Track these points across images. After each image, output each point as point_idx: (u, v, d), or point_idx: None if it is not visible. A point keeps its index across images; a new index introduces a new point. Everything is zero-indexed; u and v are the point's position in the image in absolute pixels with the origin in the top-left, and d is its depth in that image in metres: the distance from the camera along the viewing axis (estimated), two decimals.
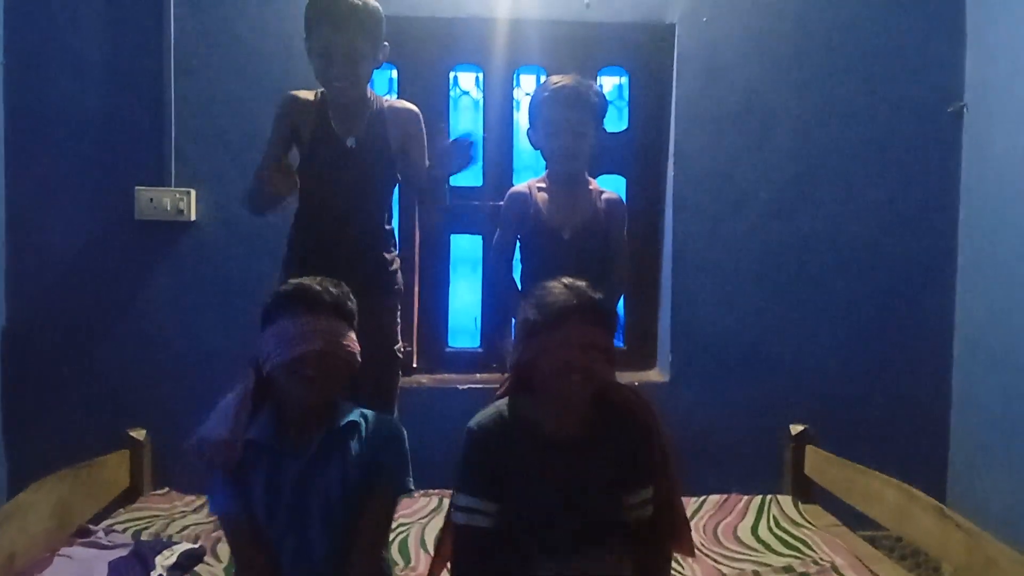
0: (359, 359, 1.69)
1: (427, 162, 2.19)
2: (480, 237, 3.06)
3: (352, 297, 1.70)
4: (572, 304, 1.58)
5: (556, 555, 1.63)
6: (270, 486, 1.65)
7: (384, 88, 3.03)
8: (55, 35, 2.76)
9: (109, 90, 2.79)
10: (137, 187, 2.77)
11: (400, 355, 2.25)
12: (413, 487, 1.73)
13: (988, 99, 2.85)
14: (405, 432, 1.75)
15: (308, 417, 1.67)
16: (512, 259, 2.33)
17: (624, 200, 2.41)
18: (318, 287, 1.65)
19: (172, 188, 2.78)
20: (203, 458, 1.66)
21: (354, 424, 1.69)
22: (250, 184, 2.18)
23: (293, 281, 1.70)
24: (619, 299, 2.42)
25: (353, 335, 1.68)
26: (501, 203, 2.40)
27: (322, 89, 2.18)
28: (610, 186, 2.47)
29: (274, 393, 1.68)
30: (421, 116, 2.25)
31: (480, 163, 3.03)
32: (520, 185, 2.37)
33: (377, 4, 2.12)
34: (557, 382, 1.60)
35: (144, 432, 2.55)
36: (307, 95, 2.19)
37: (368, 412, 1.75)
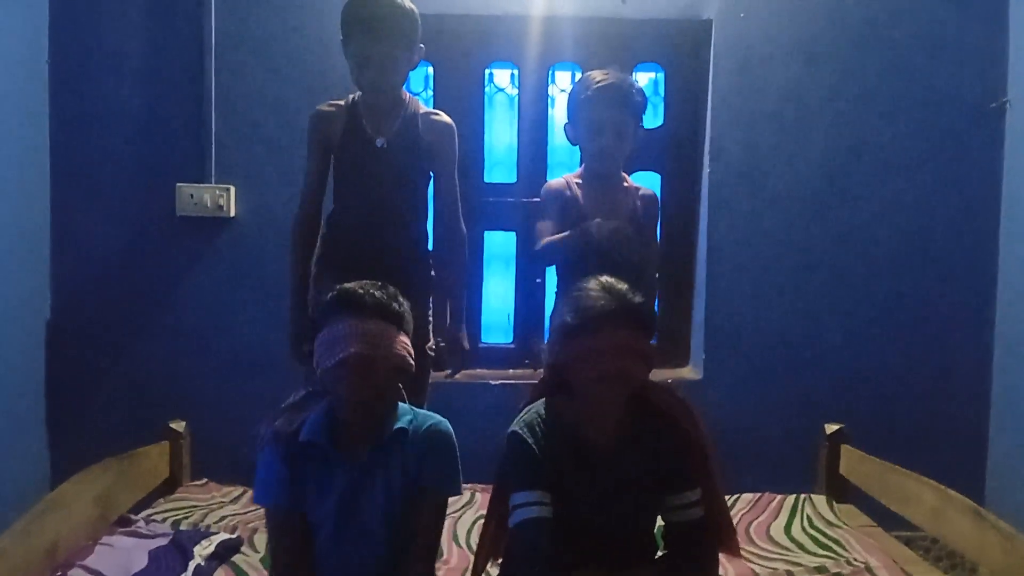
0: (411, 360, 1.67)
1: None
2: (514, 234, 3.07)
3: (400, 299, 1.68)
4: (611, 309, 1.56)
5: (596, 557, 1.63)
6: (321, 489, 1.65)
7: (420, 85, 3.06)
8: (99, 36, 2.82)
9: (151, 89, 2.84)
10: (178, 184, 2.82)
11: (431, 353, 2.26)
12: (462, 489, 1.74)
13: None
14: (453, 432, 1.73)
15: (359, 421, 1.67)
16: None
17: (659, 196, 2.39)
18: (360, 291, 1.64)
19: (212, 185, 2.83)
20: (261, 445, 1.67)
21: (403, 431, 1.68)
22: (298, 210, 2.24)
23: (340, 287, 1.68)
24: (654, 297, 2.40)
25: (404, 337, 1.66)
26: (536, 199, 2.39)
27: (352, 95, 2.21)
28: (645, 183, 2.46)
29: (328, 399, 1.69)
30: (455, 129, 2.25)
31: (515, 160, 3.06)
32: (556, 180, 2.33)
33: (413, 7, 2.12)
34: (593, 387, 1.59)
35: (184, 424, 2.59)
36: (334, 105, 2.21)
37: (419, 413, 1.74)
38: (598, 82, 2.19)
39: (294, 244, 2.24)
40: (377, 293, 1.64)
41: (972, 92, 2.92)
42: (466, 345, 2.29)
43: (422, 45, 2.18)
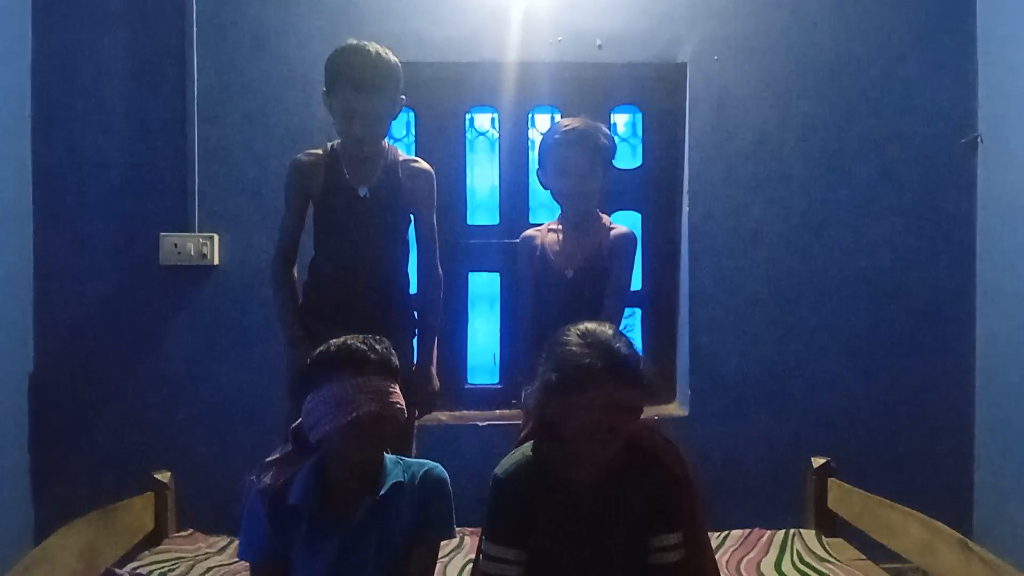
0: (405, 413, 1.66)
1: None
2: (498, 275, 3.09)
3: (392, 349, 1.66)
4: (596, 367, 1.52)
5: None
6: (311, 549, 1.62)
7: (402, 130, 3.09)
8: (81, 86, 2.84)
9: (134, 139, 2.86)
10: (162, 233, 2.83)
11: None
12: (456, 533, 1.73)
13: (1002, 130, 2.86)
14: (448, 477, 1.72)
15: (354, 480, 1.64)
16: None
17: (636, 233, 2.42)
18: (363, 346, 1.61)
19: (196, 233, 2.84)
20: (247, 499, 1.65)
21: (399, 484, 1.65)
22: (275, 254, 2.27)
23: (335, 342, 1.64)
24: None
25: (398, 389, 1.64)
26: (517, 241, 2.45)
27: (331, 143, 2.24)
28: (626, 222, 2.49)
29: (316, 457, 1.65)
30: (434, 176, 2.29)
31: (497, 202, 3.09)
32: (532, 229, 2.43)
33: (395, 60, 2.16)
34: (582, 442, 1.57)
35: (168, 474, 2.57)
36: (313, 154, 2.24)
37: (410, 463, 1.72)
38: (565, 127, 2.28)
39: (279, 285, 2.25)
40: (378, 347, 1.62)
41: (944, 128, 2.99)
42: (436, 386, 2.29)
43: (404, 95, 2.22)
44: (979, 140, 2.96)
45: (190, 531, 2.62)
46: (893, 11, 2.97)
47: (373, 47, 2.13)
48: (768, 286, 2.97)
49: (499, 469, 1.67)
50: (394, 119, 2.25)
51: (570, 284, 2.26)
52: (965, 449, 2.99)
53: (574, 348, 1.56)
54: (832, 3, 2.96)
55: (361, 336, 1.64)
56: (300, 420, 1.64)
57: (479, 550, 1.70)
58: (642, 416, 1.64)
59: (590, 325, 1.61)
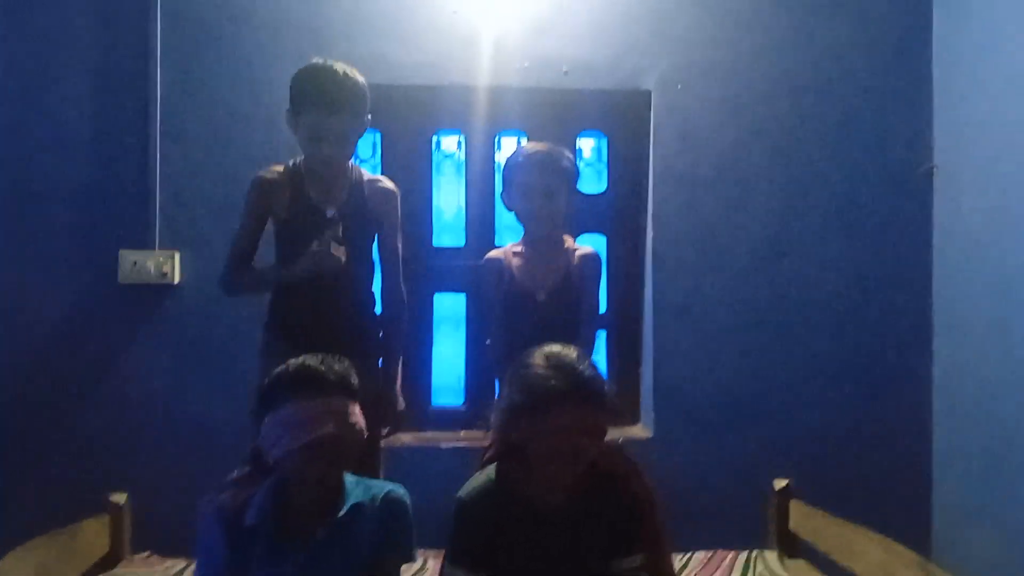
0: (365, 434, 1.64)
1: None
2: (463, 296, 3.09)
3: (353, 371, 1.65)
4: (559, 390, 1.53)
5: None
6: (270, 574, 1.59)
7: (368, 151, 3.09)
8: (42, 103, 2.80)
9: (94, 155, 2.82)
10: (121, 250, 2.79)
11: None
12: (417, 556, 1.71)
13: (957, 159, 2.94)
14: (409, 499, 1.71)
15: (313, 501, 1.62)
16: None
17: (601, 255, 2.44)
18: (322, 366, 1.60)
19: (156, 251, 2.79)
20: (204, 522, 1.62)
21: (359, 506, 1.64)
22: (226, 268, 2.22)
23: (294, 362, 1.63)
24: (589, 354, 2.44)
25: (358, 409, 1.63)
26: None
27: (293, 160, 2.22)
28: (591, 245, 2.51)
29: (274, 478, 1.63)
30: (399, 195, 2.30)
31: (463, 224, 3.09)
32: (496, 251, 2.43)
33: (363, 80, 2.15)
34: (545, 464, 1.58)
35: (125, 496, 2.51)
36: (276, 171, 2.21)
37: (370, 484, 1.70)
38: (529, 150, 2.32)
39: (241, 278, 2.22)
40: (337, 367, 1.61)
41: (901, 158, 3.06)
42: (401, 405, 2.28)
43: (370, 115, 2.21)
44: (934, 169, 3.04)
45: (148, 553, 2.56)
46: (851, 44, 3.04)
47: (340, 66, 2.11)
48: (731, 310, 3.01)
49: (463, 491, 1.67)
50: (360, 138, 2.24)
51: (541, 307, 2.26)
52: (923, 471, 3.04)
53: (539, 370, 1.57)
54: (792, 35, 3.03)
55: (320, 356, 1.63)
56: (258, 440, 1.62)
57: (442, 573, 1.69)
58: (605, 438, 1.65)
59: (555, 348, 1.62)
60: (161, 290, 2.82)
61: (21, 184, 2.79)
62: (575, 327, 2.24)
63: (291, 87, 2.14)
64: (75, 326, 2.81)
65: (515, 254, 2.35)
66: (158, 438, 2.80)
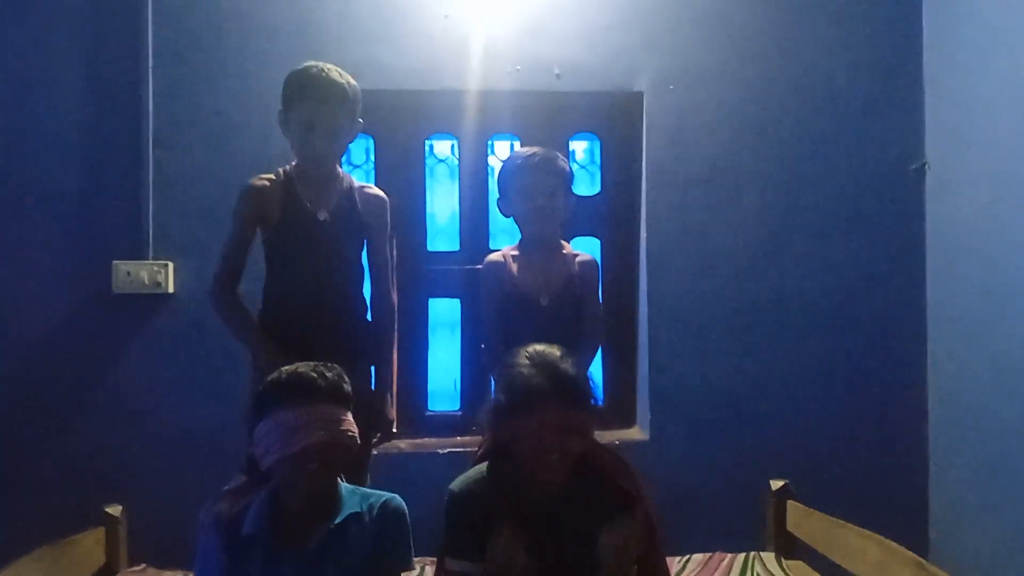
0: (358, 440, 1.65)
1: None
2: (458, 300, 3.09)
3: (346, 377, 1.66)
4: (543, 388, 1.57)
5: None
6: None
7: (361, 157, 3.09)
8: (34, 111, 2.79)
9: (87, 165, 2.81)
10: (115, 260, 2.78)
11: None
12: (415, 565, 1.72)
13: (948, 157, 2.94)
14: (406, 508, 1.71)
15: (308, 509, 1.62)
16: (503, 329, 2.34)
17: (598, 261, 2.45)
18: (313, 373, 1.60)
19: (150, 261, 2.79)
20: (202, 532, 1.62)
21: (357, 515, 1.64)
22: (216, 282, 2.20)
23: (286, 369, 1.64)
24: (592, 360, 2.45)
25: (350, 416, 1.63)
26: (478, 267, 2.44)
27: (283, 168, 2.22)
28: (585, 248, 2.52)
29: (270, 487, 1.63)
30: (388, 203, 2.31)
31: (457, 228, 3.09)
32: (495, 253, 2.42)
33: (355, 83, 2.18)
34: (532, 462, 1.60)
35: (120, 508, 2.50)
36: (266, 178, 2.21)
37: (370, 494, 1.71)
38: (525, 154, 2.33)
39: (231, 308, 2.19)
40: (328, 374, 1.62)
41: (893, 156, 3.06)
42: (392, 414, 2.28)
43: (361, 120, 2.22)
44: (926, 167, 3.04)
45: (143, 566, 2.55)
46: (842, 45, 3.05)
47: (332, 67, 2.15)
48: (725, 311, 3.01)
49: (454, 485, 1.69)
50: (351, 141, 2.25)
51: (545, 311, 2.27)
52: (920, 470, 3.04)
53: (522, 369, 1.60)
54: (784, 35, 3.03)
55: (312, 363, 1.64)
56: (251, 447, 1.62)
57: (439, 569, 1.69)
58: (595, 438, 1.66)
59: (539, 347, 1.66)
60: (155, 300, 2.81)
61: (13, 194, 2.78)
62: (578, 332, 2.25)
63: (284, 86, 2.17)
64: (69, 337, 2.80)
65: (515, 258, 2.35)
66: (153, 449, 2.79)
